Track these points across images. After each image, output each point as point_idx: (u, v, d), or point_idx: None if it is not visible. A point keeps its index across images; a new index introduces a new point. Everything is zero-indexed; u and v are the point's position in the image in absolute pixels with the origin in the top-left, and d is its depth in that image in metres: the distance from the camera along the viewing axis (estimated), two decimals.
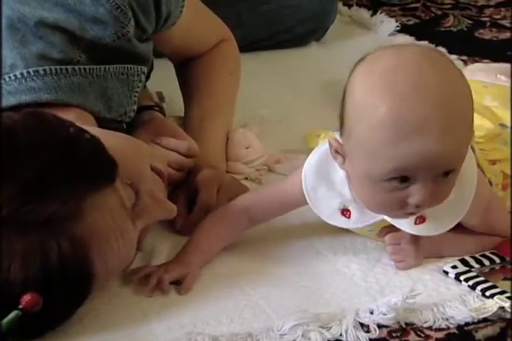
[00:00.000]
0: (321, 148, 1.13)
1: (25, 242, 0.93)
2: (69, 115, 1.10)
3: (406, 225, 1.10)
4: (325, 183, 1.11)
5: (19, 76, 1.13)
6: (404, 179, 1.01)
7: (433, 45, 1.78)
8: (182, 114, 1.40)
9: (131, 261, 1.07)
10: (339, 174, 1.10)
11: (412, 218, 1.09)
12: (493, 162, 1.21)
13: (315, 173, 1.12)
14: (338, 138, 1.07)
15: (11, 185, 0.93)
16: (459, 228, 1.13)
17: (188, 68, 1.41)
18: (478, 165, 1.14)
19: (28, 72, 1.13)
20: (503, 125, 1.26)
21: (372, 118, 0.99)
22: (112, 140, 1.04)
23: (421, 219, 1.10)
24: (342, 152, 1.06)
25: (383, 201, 1.05)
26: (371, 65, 1.03)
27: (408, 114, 0.98)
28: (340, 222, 1.13)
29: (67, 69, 1.15)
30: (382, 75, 1.00)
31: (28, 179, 0.94)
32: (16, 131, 0.97)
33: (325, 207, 1.12)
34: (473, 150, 1.14)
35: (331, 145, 1.07)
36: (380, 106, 0.99)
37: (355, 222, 1.12)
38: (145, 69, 1.25)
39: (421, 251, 1.14)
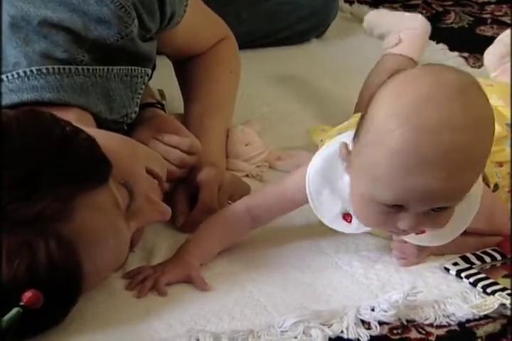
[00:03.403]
0: (326, 151, 1.11)
1: (13, 240, 0.92)
2: (69, 115, 1.10)
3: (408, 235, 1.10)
4: (329, 187, 1.11)
5: (22, 74, 1.13)
6: (398, 205, 1.02)
7: (434, 42, 1.79)
8: (183, 112, 1.40)
9: (123, 262, 1.07)
10: (344, 179, 1.09)
11: None
12: (501, 164, 1.21)
13: (320, 177, 1.11)
14: (348, 143, 1.06)
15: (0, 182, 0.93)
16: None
17: (187, 67, 1.41)
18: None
19: (31, 71, 1.13)
20: (508, 124, 1.25)
21: (387, 145, 0.98)
22: (108, 140, 1.04)
23: (422, 230, 1.10)
24: (348, 160, 1.06)
25: (374, 220, 1.06)
26: (403, 87, 1.00)
27: (423, 150, 0.96)
28: (341, 226, 1.12)
29: (70, 69, 1.15)
30: (410, 103, 0.97)
31: (18, 176, 0.94)
32: (9, 128, 0.97)
33: (327, 211, 1.12)
34: None
35: (340, 150, 1.06)
36: (398, 135, 0.97)
37: (355, 227, 1.11)
38: (149, 71, 1.25)
39: (424, 250, 1.14)
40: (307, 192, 1.12)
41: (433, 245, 1.12)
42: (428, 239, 1.10)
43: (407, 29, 1.51)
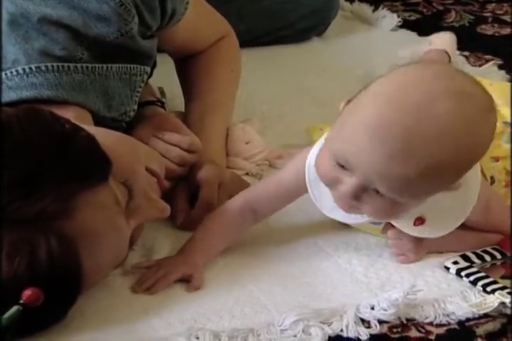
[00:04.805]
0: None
1: (14, 238, 0.92)
2: (67, 113, 1.10)
3: (405, 226, 1.11)
4: None
5: (21, 71, 1.13)
6: (342, 167, 1.02)
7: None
8: (183, 110, 1.40)
9: (123, 259, 1.07)
10: None
11: (411, 219, 1.09)
12: (497, 159, 1.21)
13: None
14: None
15: (1, 181, 0.93)
16: (461, 225, 1.13)
17: (188, 64, 1.41)
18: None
19: (30, 68, 1.13)
20: (506, 123, 1.26)
21: (360, 109, 1.00)
22: (107, 138, 1.04)
23: (420, 221, 1.10)
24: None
25: (325, 172, 1.05)
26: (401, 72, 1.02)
27: (373, 123, 0.97)
28: (340, 215, 1.12)
29: (69, 66, 1.15)
30: (393, 87, 1.00)
31: (19, 175, 0.94)
32: (9, 126, 0.97)
33: (326, 199, 1.11)
34: None
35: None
36: (369, 106, 0.99)
37: (354, 216, 1.10)
38: (148, 69, 1.25)
39: (422, 246, 1.14)
40: (306, 180, 1.12)
41: (432, 236, 1.12)
42: (426, 230, 1.10)
43: (438, 37, 1.58)
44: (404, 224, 1.10)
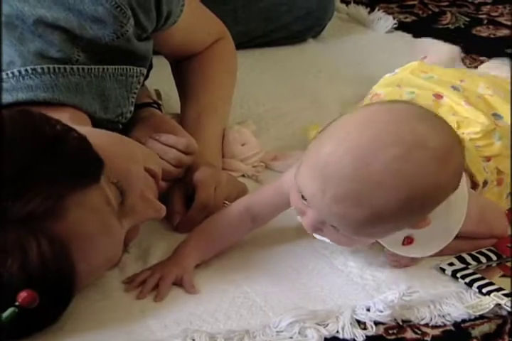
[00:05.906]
0: None
1: (5, 239, 0.92)
2: (64, 115, 1.10)
3: (393, 245, 1.10)
4: None
5: (17, 74, 1.13)
6: (304, 199, 1.03)
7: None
8: (179, 112, 1.40)
9: (118, 260, 1.06)
10: None
11: (400, 238, 1.09)
12: (488, 158, 1.21)
13: None
14: None
15: None
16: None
17: (184, 66, 1.41)
18: (468, 170, 1.14)
19: (26, 70, 1.13)
20: (496, 115, 1.25)
21: (317, 146, 1.01)
22: (101, 139, 1.03)
23: (409, 240, 1.10)
24: None
25: (293, 201, 1.06)
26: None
27: (323, 164, 0.98)
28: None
29: (65, 68, 1.15)
30: (356, 124, 1.00)
31: (9, 175, 0.93)
32: (2, 127, 0.97)
33: None
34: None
35: None
36: (325, 147, 1.00)
37: None
38: (144, 70, 1.25)
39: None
40: None
41: (420, 256, 1.12)
42: (414, 249, 1.10)
43: (436, 50, 1.56)
44: (393, 243, 1.10)
